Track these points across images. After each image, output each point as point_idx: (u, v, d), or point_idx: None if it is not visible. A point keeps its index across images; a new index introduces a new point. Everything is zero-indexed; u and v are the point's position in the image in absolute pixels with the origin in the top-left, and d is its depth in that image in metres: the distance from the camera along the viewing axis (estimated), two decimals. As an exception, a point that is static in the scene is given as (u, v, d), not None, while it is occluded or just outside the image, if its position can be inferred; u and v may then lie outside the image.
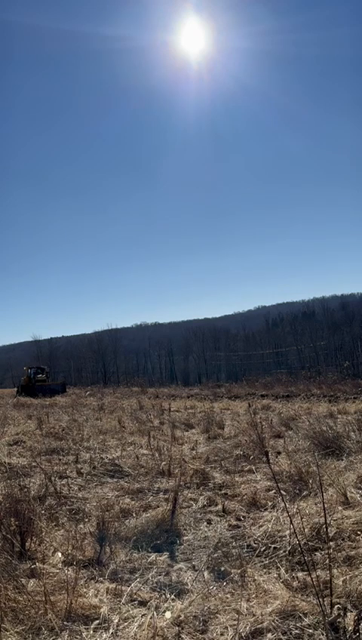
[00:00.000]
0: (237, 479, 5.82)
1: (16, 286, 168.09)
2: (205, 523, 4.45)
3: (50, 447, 8.38)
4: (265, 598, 2.85)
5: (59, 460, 7.42)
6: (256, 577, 3.16)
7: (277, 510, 4.32)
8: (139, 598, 2.94)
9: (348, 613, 2.55)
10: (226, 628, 2.56)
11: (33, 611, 2.73)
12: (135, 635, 2.52)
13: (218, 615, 2.72)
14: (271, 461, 6.29)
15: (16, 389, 38.50)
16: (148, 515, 4.51)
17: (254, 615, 2.64)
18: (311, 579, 2.74)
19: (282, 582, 3.07)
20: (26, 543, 3.69)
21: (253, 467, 6.33)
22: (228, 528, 4.28)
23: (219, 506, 4.84)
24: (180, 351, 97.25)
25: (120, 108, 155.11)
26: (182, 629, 2.59)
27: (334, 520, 3.91)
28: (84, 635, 2.56)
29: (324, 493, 3.97)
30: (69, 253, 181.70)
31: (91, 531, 4.10)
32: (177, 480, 5.40)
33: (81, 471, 6.55)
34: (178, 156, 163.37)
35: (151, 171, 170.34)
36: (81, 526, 4.23)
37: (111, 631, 2.57)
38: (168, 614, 2.71)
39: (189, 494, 5.28)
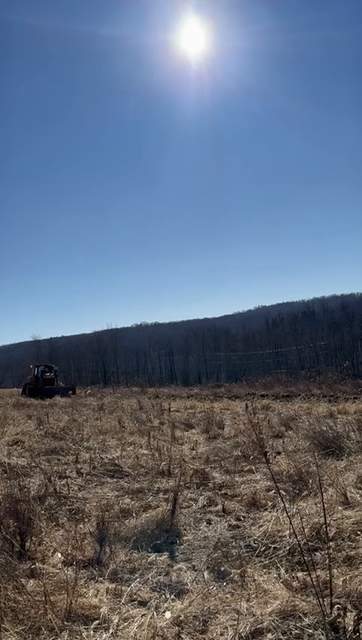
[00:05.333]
0: (237, 479, 5.82)
1: (16, 286, 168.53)
2: (205, 523, 4.44)
3: (49, 447, 8.38)
4: (264, 598, 2.85)
5: (59, 460, 7.42)
6: (255, 577, 3.16)
7: (277, 510, 4.31)
8: (139, 598, 2.94)
9: (348, 613, 2.55)
10: (226, 628, 2.56)
11: (33, 611, 2.73)
12: (135, 635, 2.52)
13: (218, 615, 2.71)
14: (271, 461, 6.29)
15: (18, 388, 37.22)
16: (148, 515, 4.51)
17: (254, 615, 2.64)
18: (311, 579, 2.74)
19: (282, 582, 3.07)
20: (26, 543, 3.69)
21: (253, 467, 6.32)
22: (228, 528, 4.28)
23: (219, 506, 4.84)
24: (180, 351, 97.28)
25: (120, 108, 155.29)
26: (182, 629, 2.59)
27: (334, 520, 3.90)
28: (84, 635, 2.56)
29: (324, 493, 3.97)
30: (68, 253, 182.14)
31: (91, 531, 4.10)
32: (177, 480, 5.40)
33: (81, 471, 6.55)
34: (178, 156, 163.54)
35: (151, 171, 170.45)
36: (81, 526, 4.23)
37: (111, 631, 2.57)
38: (168, 614, 2.70)
39: (189, 494, 5.28)
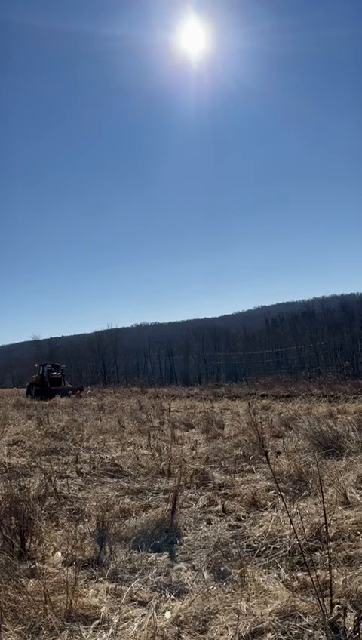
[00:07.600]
0: (237, 479, 5.81)
1: (17, 286, 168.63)
2: (205, 523, 4.44)
3: (49, 447, 8.38)
4: (264, 598, 2.85)
5: (59, 460, 7.42)
6: (255, 577, 3.16)
7: (277, 510, 4.31)
8: (139, 598, 2.94)
9: (348, 613, 2.55)
10: (226, 628, 2.56)
11: (33, 611, 2.73)
12: (135, 635, 2.52)
13: (218, 615, 2.71)
14: (271, 461, 6.28)
15: (19, 388, 36.23)
16: (148, 515, 4.51)
17: (254, 615, 2.64)
18: (311, 579, 2.73)
19: (282, 582, 3.07)
20: (26, 543, 3.69)
21: (253, 467, 6.32)
22: (228, 528, 4.27)
23: (219, 506, 4.84)
24: (180, 351, 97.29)
25: (120, 108, 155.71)
26: (182, 629, 2.59)
27: (334, 520, 3.90)
28: (83, 635, 2.55)
29: (324, 493, 3.97)
30: (68, 253, 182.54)
31: (91, 531, 4.10)
32: (177, 480, 5.40)
33: (81, 471, 6.55)
34: (178, 156, 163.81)
35: (151, 171, 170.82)
36: (81, 526, 4.23)
37: (111, 631, 2.56)
38: (168, 614, 2.70)
39: (189, 494, 5.28)
